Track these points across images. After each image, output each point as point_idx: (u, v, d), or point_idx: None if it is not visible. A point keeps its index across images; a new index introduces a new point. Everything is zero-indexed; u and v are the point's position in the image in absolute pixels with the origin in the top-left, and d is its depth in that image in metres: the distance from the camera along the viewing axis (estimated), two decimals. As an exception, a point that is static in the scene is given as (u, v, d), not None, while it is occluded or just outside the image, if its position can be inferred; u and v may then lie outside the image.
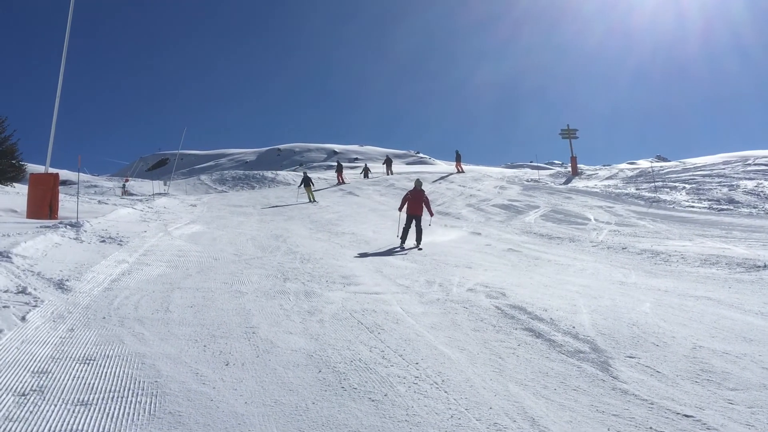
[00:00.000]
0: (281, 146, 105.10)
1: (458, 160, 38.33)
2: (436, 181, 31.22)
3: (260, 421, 3.76)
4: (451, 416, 3.86)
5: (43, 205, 14.91)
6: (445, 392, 4.26)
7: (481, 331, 5.88)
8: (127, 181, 51.67)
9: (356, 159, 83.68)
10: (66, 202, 18.98)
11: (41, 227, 11.16)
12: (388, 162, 42.83)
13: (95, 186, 45.32)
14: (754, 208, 15.45)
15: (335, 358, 5.00)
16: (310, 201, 26.85)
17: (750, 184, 18.67)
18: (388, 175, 39.66)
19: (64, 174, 38.89)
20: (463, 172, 36.66)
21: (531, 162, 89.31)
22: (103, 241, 11.12)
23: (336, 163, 45.60)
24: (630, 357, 5.03)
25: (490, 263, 10.25)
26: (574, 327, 5.93)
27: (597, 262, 10.22)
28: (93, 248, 10.29)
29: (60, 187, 17.08)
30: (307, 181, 28.18)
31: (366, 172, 40.57)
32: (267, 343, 5.39)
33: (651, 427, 3.69)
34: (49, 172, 15.71)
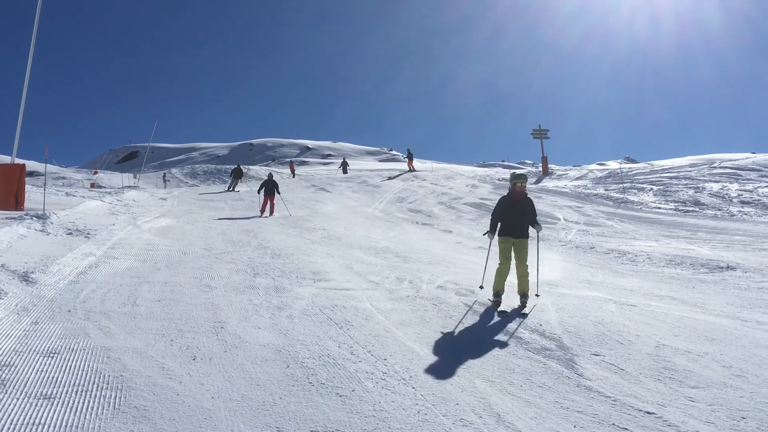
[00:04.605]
0: (254, 141, 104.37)
1: (410, 158, 38.74)
2: (385, 180, 31.64)
3: (227, 415, 3.75)
4: (418, 411, 3.89)
5: (9, 196, 14.62)
6: (413, 388, 4.30)
7: (450, 328, 5.93)
8: (95, 173, 50.86)
9: (329, 155, 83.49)
10: (32, 194, 18.60)
11: (6, 218, 10.94)
12: (344, 165, 42.55)
13: (63, 178, 44.52)
14: (719, 210, 15.78)
15: (304, 354, 5.00)
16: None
17: (715, 187, 19.05)
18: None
19: (31, 165, 38.11)
20: (414, 170, 36.82)
21: (503, 161, 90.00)
22: (70, 234, 10.94)
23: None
24: (595, 355, 5.12)
25: (461, 261, 10.32)
26: (541, 324, 6.01)
27: (565, 261, 10.35)
28: (59, 240, 10.12)
29: (27, 178, 16.73)
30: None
31: (345, 167, 40.82)
32: (235, 338, 5.37)
33: (614, 424, 3.76)
34: (15, 162, 15.39)
